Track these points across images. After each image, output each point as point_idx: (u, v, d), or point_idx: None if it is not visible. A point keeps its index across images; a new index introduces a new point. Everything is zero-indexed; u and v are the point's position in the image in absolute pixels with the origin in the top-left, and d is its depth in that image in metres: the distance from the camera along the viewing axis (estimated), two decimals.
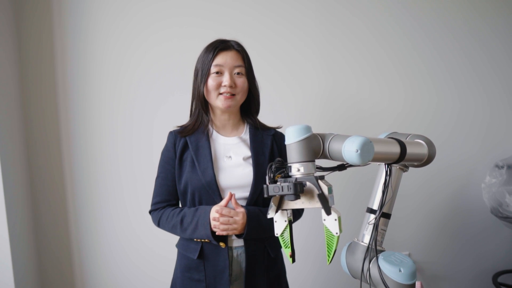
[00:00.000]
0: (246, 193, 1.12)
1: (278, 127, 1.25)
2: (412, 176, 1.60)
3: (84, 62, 1.69)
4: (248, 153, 1.16)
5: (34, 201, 1.73)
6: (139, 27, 1.68)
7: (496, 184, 1.63)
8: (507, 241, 1.80)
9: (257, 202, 1.14)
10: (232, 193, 1.07)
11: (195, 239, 1.13)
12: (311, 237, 1.69)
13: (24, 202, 1.67)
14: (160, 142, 1.24)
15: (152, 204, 1.20)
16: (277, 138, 1.22)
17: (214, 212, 1.05)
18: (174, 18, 1.68)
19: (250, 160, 1.15)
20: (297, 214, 1.23)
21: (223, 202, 1.07)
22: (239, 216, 1.06)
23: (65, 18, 1.67)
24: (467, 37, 1.75)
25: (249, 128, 1.20)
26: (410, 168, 0.99)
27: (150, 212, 1.21)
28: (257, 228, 1.08)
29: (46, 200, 1.74)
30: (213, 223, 1.05)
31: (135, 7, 1.67)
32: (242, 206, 1.10)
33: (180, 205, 1.22)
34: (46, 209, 1.74)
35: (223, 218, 1.04)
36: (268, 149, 1.17)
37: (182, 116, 1.27)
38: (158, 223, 1.17)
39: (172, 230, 1.14)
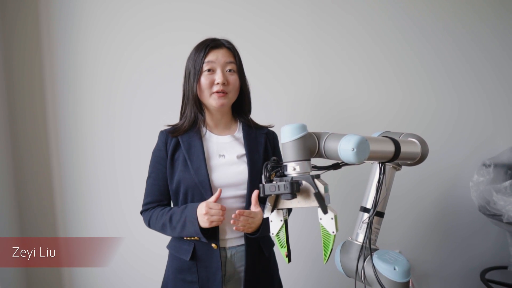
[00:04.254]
0: (240, 191, 1.12)
1: (270, 126, 1.26)
2: (402, 176, 1.62)
3: (74, 64, 1.68)
4: (241, 151, 1.16)
5: (21, 200, 1.69)
6: (130, 33, 1.69)
7: (484, 183, 1.66)
8: (495, 239, 1.83)
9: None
10: (221, 189, 1.06)
11: (185, 238, 1.11)
12: (304, 236, 1.70)
13: (10, 202, 1.63)
14: (152, 141, 1.22)
15: (143, 205, 1.19)
16: (270, 136, 1.22)
17: (204, 207, 1.03)
18: (165, 23, 1.68)
19: (244, 158, 1.15)
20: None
21: (212, 199, 1.05)
22: (258, 217, 1.06)
23: (52, 18, 1.64)
24: (462, 33, 1.77)
25: (242, 126, 1.20)
26: (402, 168, 1.00)
27: (141, 212, 1.20)
28: (268, 228, 1.07)
29: (33, 200, 1.70)
30: (203, 218, 1.03)
31: (126, 14, 1.67)
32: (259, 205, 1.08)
33: (172, 205, 1.20)
34: (34, 209, 1.71)
35: (244, 217, 1.03)
36: (262, 147, 1.18)
37: (174, 115, 1.25)
38: (149, 224, 1.16)
39: (162, 229, 1.13)
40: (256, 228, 1.07)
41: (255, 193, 1.07)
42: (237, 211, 1.02)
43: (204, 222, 1.03)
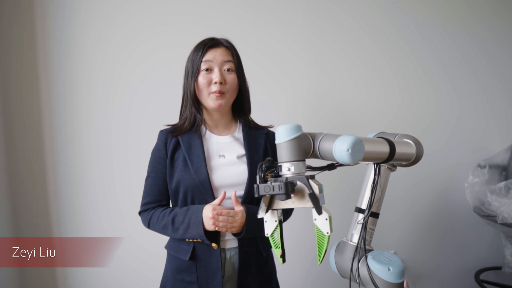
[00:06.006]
0: (240, 191, 1.12)
1: (270, 126, 1.25)
2: (398, 177, 1.63)
3: (71, 64, 1.67)
4: (241, 151, 1.16)
5: (16, 200, 1.68)
6: (128, 35, 1.68)
7: (479, 184, 1.66)
8: (489, 239, 1.84)
9: (252, 201, 1.13)
10: (225, 192, 1.07)
11: (187, 239, 1.11)
12: (301, 237, 1.70)
13: (5, 201, 1.61)
14: (150, 141, 1.22)
15: (142, 205, 1.18)
16: (270, 137, 1.22)
17: (210, 211, 1.03)
18: (161, 26, 1.68)
19: (244, 159, 1.14)
20: (287, 213, 1.23)
21: (216, 201, 1.06)
22: (238, 216, 1.06)
23: (48, 19, 1.64)
24: (461, 33, 1.77)
25: (242, 127, 1.20)
26: (398, 169, 1.00)
27: (140, 213, 1.19)
28: (255, 228, 1.07)
29: (29, 199, 1.69)
30: (210, 221, 1.03)
31: (123, 16, 1.67)
32: (241, 204, 1.09)
33: (171, 206, 1.20)
34: (30, 209, 1.69)
35: (223, 216, 1.03)
36: (262, 147, 1.17)
37: (172, 115, 1.25)
38: (148, 224, 1.15)
39: (163, 230, 1.12)
40: (241, 228, 1.07)
41: (233, 193, 1.08)
42: (215, 212, 1.03)
43: (209, 226, 1.04)
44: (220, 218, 1.03)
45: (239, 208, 1.07)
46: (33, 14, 1.62)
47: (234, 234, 1.10)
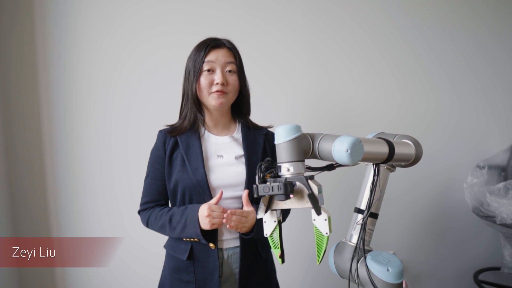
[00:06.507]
0: (238, 192, 1.12)
1: (269, 127, 1.25)
2: (397, 177, 1.63)
3: (70, 63, 1.67)
4: (240, 152, 1.16)
5: (15, 199, 1.68)
6: (127, 35, 1.68)
7: (478, 184, 1.67)
8: (488, 240, 1.84)
9: (251, 201, 1.12)
10: (222, 191, 1.06)
11: (184, 239, 1.11)
12: (300, 237, 1.70)
13: (4, 201, 1.61)
14: (149, 140, 1.22)
15: (141, 204, 1.19)
16: (269, 137, 1.22)
17: (206, 210, 1.03)
18: (160, 26, 1.68)
19: (243, 159, 1.15)
20: (286, 212, 1.23)
21: (213, 201, 1.05)
22: (251, 216, 1.06)
23: (47, 18, 1.64)
24: (460, 33, 1.78)
25: (241, 127, 1.20)
26: (397, 170, 1.00)
27: (139, 212, 1.20)
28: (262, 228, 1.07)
29: (28, 199, 1.69)
30: (205, 220, 1.03)
31: (122, 16, 1.67)
32: (251, 204, 1.08)
33: (169, 205, 1.20)
34: (29, 209, 1.69)
35: (236, 216, 1.03)
36: (260, 148, 1.18)
37: (172, 115, 1.25)
38: (147, 223, 1.16)
39: (161, 230, 1.13)
40: (250, 228, 1.07)
41: (245, 193, 1.07)
42: (229, 211, 1.02)
43: (205, 225, 1.03)
44: (234, 217, 1.02)
45: (250, 209, 1.07)
46: (33, 14, 1.62)
47: (242, 234, 1.09)
